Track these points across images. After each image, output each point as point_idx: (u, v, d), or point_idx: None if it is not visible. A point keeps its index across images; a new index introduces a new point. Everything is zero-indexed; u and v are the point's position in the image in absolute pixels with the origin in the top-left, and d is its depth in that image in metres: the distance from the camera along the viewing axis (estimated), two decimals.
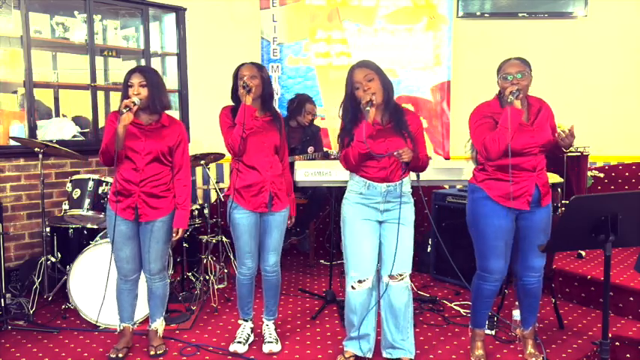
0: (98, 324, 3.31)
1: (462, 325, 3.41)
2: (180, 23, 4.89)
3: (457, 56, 5.49)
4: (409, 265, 2.81)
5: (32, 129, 4.07)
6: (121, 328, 3.05)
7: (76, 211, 3.56)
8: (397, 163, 2.69)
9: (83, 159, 4.04)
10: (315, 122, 4.81)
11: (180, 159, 2.93)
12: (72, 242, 3.79)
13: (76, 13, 4.37)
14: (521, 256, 2.83)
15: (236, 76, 2.94)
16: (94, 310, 3.29)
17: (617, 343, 3.20)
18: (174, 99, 4.80)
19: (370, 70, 2.69)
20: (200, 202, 5.00)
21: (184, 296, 3.83)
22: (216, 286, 3.88)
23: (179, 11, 4.89)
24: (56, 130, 4.26)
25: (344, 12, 5.46)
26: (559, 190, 3.36)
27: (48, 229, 3.75)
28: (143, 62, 4.68)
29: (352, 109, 2.75)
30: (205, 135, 4.55)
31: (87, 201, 3.53)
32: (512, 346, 3.13)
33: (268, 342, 3.09)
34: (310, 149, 4.51)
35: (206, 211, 4.03)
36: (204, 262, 3.97)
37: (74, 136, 4.34)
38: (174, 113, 4.78)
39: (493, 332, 3.24)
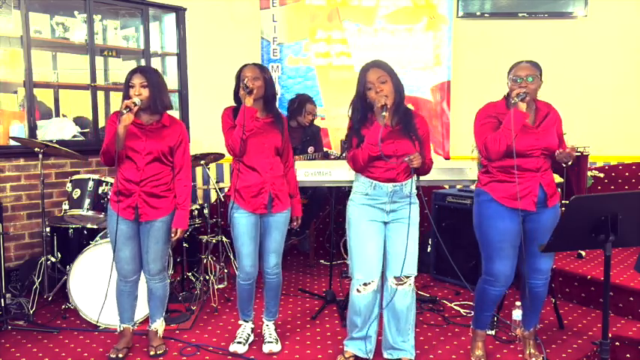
0: (98, 324, 3.31)
1: (462, 325, 3.41)
2: (180, 23, 4.89)
3: (457, 56, 5.49)
4: (415, 267, 2.80)
5: (32, 129, 4.07)
6: (121, 329, 3.05)
7: (76, 211, 3.56)
8: (404, 164, 2.69)
9: (83, 159, 4.04)
10: (315, 122, 4.81)
11: (180, 159, 2.93)
12: (72, 242, 3.79)
13: (76, 13, 4.37)
14: (528, 259, 2.81)
15: (239, 76, 2.94)
16: (94, 310, 3.29)
17: (617, 343, 3.20)
18: (174, 99, 4.80)
19: (384, 72, 2.67)
20: (200, 202, 5.00)
21: (184, 296, 3.83)
22: (216, 286, 3.88)
23: (179, 11, 4.89)
24: (56, 130, 4.26)
25: (344, 12, 5.46)
26: (559, 190, 3.35)
27: (48, 229, 3.75)
28: (143, 62, 4.68)
29: (362, 110, 2.73)
30: (205, 135, 4.55)
31: (87, 201, 3.53)
32: (512, 346, 3.13)
33: (268, 342, 3.09)
34: (310, 149, 4.51)
35: (206, 211, 4.04)
36: (204, 262, 3.97)
37: (74, 136, 4.34)
38: (174, 113, 4.78)
39: (493, 332, 3.24)
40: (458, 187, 4.35)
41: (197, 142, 4.77)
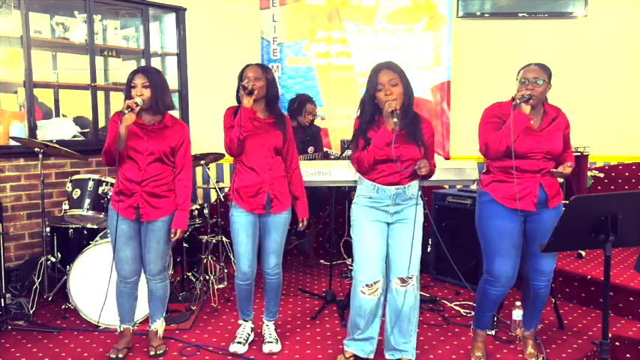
0: (98, 324, 3.31)
1: (462, 325, 3.41)
2: (180, 23, 4.90)
3: (457, 56, 5.49)
4: (418, 268, 2.80)
5: (32, 129, 4.07)
6: (121, 329, 3.05)
7: (76, 211, 3.56)
8: (409, 168, 2.69)
9: (83, 159, 4.04)
10: (315, 122, 4.82)
11: (182, 160, 2.93)
12: (72, 242, 3.80)
13: (76, 13, 4.37)
14: (530, 260, 2.81)
15: (241, 76, 2.94)
16: (94, 310, 3.29)
17: (617, 343, 3.20)
18: (174, 99, 4.79)
19: (396, 75, 2.65)
20: (200, 202, 5.00)
21: (184, 296, 3.83)
22: (216, 286, 3.88)
23: (179, 11, 4.89)
24: (56, 130, 4.26)
25: (344, 12, 5.46)
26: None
27: (48, 229, 3.75)
28: (143, 62, 4.68)
29: (371, 110, 2.71)
30: (205, 135, 4.55)
31: (87, 201, 3.53)
32: (512, 346, 3.13)
33: (268, 342, 3.09)
34: (310, 149, 4.51)
35: (206, 211, 4.04)
36: (204, 262, 3.97)
37: (74, 136, 4.34)
38: (174, 113, 4.77)
39: (493, 332, 3.24)
40: (458, 187, 4.36)
41: (197, 142, 4.76)
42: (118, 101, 4.91)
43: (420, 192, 2.78)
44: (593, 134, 4.72)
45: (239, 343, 3.07)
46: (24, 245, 4.15)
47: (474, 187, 4.09)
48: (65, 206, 3.61)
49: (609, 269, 2.33)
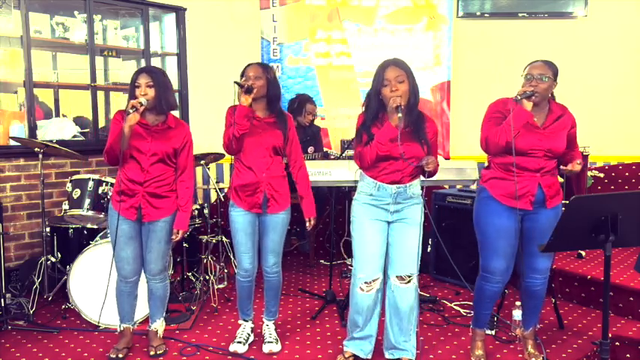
0: (98, 324, 3.31)
1: (462, 325, 3.41)
2: (180, 23, 4.89)
3: (457, 56, 5.49)
4: (417, 266, 2.80)
5: (32, 129, 4.07)
6: (121, 329, 3.05)
7: (76, 211, 3.56)
8: (411, 168, 2.69)
9: (83, 159, 4.04)
10: (315, 122, 4.82)
11: (184, 161, 2.93)
12: (72, 242, 3.80)
13: (76, 13, 4.37)
14: (526, 258, 2.82)
15: (242, 75, 2.94)
16: (94, 310, 3.29)
17: (617, 343, 3.20)
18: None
19: (403, 72, 2.65)
20: (200, 202, 5.00)
21: (184, 296, 3.83)
22: (216, 286, 3.88)
23: (179, 11, 4.89)
24: (56, 130, 4.26)
25: (344, 12, 5.46)
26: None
27: (48, 229, 3.75)
28: (143, 62, 4.68)
29: (375, 106, 2.70)
30: (205, 135, 4.55)
31: (87, 201, 3.53)
32: (512, 346, 3.13)
33: (268, 342, 3.09)
34: (310, 149, 4.51)
35: (206, 211, 4.03)
36: (204, 262, 3.97)
37: (74, 136, 4.34)
38: (175, 113, 4.78)
39: (493, 332, 3.24)
40: (458, 187, 4.36)
41: (197, 142, 4.75)
42: (118, 101, 4.91)
43: (421, 192, 2.78)
44: (593, 134, 4.72)
45: (239, 342, 3.07)
46: (24, 245, 4.15)
47: (474, 187, 4.09)
48: (65, 206, 3.61)
49: (609, 269, 2.33)
